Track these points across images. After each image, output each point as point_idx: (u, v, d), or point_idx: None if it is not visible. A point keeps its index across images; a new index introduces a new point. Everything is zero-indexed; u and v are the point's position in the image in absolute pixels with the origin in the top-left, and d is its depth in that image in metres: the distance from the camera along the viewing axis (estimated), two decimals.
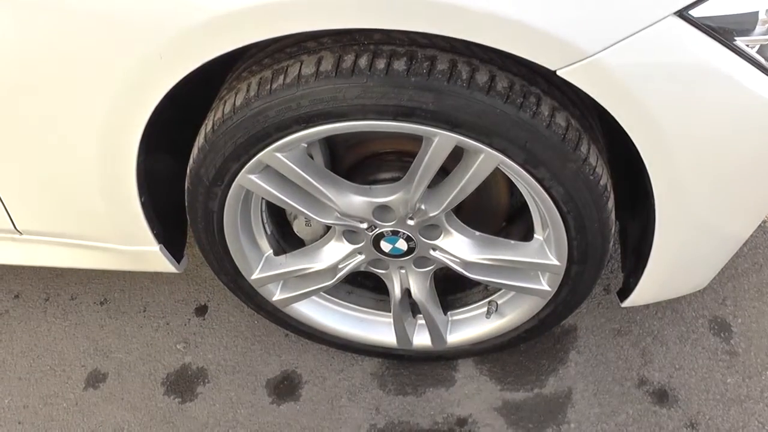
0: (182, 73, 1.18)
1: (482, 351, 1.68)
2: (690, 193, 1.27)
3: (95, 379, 1.78)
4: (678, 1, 1.05)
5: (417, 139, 1.33)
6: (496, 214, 1.54)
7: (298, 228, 1.53)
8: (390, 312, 1.65)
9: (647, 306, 1.80)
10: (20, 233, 1.61)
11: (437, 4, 1.05)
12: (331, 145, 1.44)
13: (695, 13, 1.06)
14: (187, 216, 1.46)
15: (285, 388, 1.72)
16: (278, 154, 1.27)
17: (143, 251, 1.56)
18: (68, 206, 1.50)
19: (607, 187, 1.32)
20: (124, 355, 1.81)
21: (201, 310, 1.87)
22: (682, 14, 1.06)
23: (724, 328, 1.77)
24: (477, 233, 1.45)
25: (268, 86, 1.21)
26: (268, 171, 1.32)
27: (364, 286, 1.69)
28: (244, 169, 1.31)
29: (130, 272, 1.90)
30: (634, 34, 1.06)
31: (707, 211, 1.32)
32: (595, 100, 1.15)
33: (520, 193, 1.50)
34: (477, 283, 1.62)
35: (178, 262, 1.60)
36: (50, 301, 1.95)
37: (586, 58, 1.08)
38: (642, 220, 1.40)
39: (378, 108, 1.18)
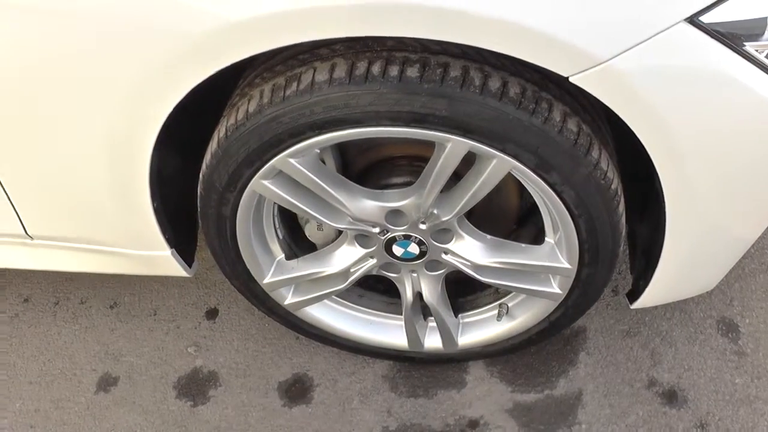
0: (195, 81, 1.19)
1: (493, 353, 1.69)
2: (700, 196, 1.28)
3: (106, 383, 1.79)
4: (688, 8, 1.05)
5: (429, 144, 1.33)
6: (507, 217, 1.54)
7: (310, 232, 1.54)
8: (401, 315, 1.65)
9: (656, 307, 1.80)
10: (31, 238, 1.62)
11: (453, 13, 1.05)
12: (343, 150, 1.44)
13: (705, 19, 1.07)
14: (200, 221, 1.46)
15: (296, 391, 1.73)
16: (291, 160, 1.28)
17: (155, 256, 1.56)
18: (80, 212, 1.51)
19: (618, 191, 1.33)
20: (135, 358, 1.82)
21: (211, 314, 1.88)
22: (693, 20, 1.06)
23: (732, 328, 1.78)
24: (488, 237, 1.45)
25: (282, 93, 1.21)
26: (281, 176, 1.33)
27: (374, 289, 1.70)
28: (257, 175, 1.31)
29: (140, 276, 1.91)
30: (646, 40, 1.07)
31: (717, 214, 1.33)
32: (605, 105, 1.16)
33: (529, 196, 1.52)
34: (487, 286, 1.63)
35: (189, 266, 1.61)
36: (60, 305, 1.95)
37: (599, 64, 1.09)
38: (651, 223, 1.41)
39: (391, 114, 1.19)
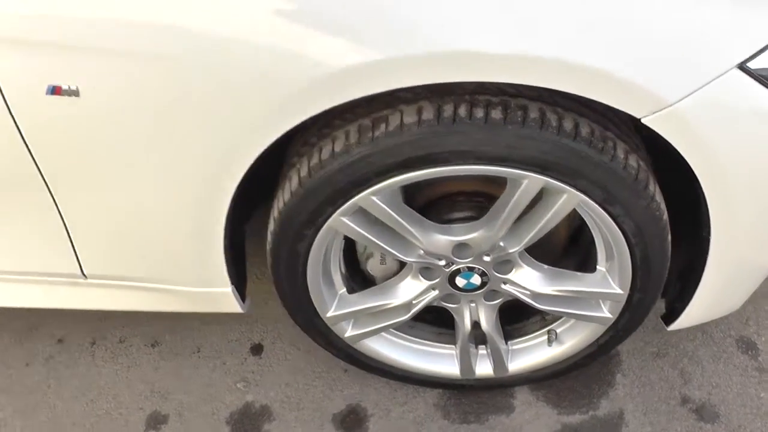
0: (288, 127, 1.25)
1: (542, 377, 1.76)
2: (743, 227, 1.40)
3: (156, 421, 1.78)
4: (739, 55, 1.18)
5: (489, 180, 1.43)
6: (557, 247, 1.63)
7: (372, 266, 1.60)
8: (449, 344, 1.72)
9: (679, 329, 1.91)
10: (85, 277, 1.62)
11: (550, 62, 1.15)
12: (404, 187, 1.51)
13: (752, 65, 1.19)
14: (269, 258, 1.50)
15: (351, 421, 1.76)
16: (374, 197, 1.34)
17: (216, 292, 1.59)
18: (149, 252, 1.53)
19: (667, 221, 1.43)
20: (184, 396, 1.82)
21: (256, 349, 1.90)
22: (742, 66, 1.19)
23: (750, 346, 1.90)
24: (545, 266, 1.54)
25: (371, 134, 1.27)
26: (359, 212, 1.39)
27: (424, 320, 1.75)
28: (337, 212, 1.37)
29: (179, 313, 1.91)
30: (705, 85, 1.18)
31: (754, 242, 1.45)
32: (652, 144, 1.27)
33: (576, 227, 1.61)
34: (535, 314, 1.71)
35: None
36: (97, 345, 1.94)
37: (667, 107, 1.20)
38: (690, 250, 1.52)
39: (477, 154, 1.27)
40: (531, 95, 1.28)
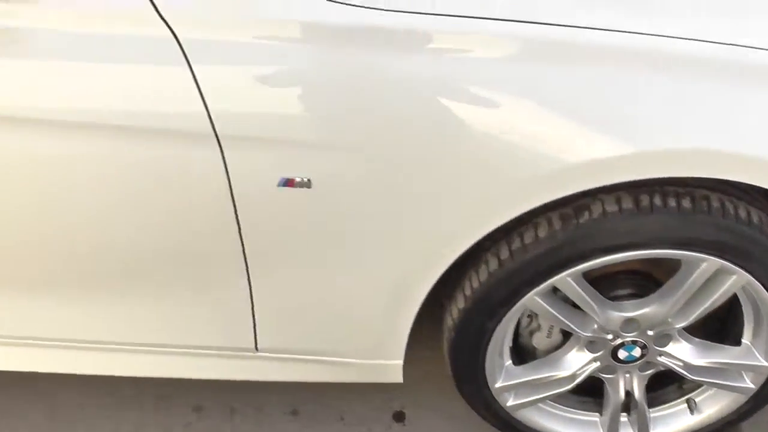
0: (505, 220, 1.38)
1: None
2: None
3: None
4: None
5: (645, 261, 1.57)
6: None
7: (538, 340, 1.72)
8: (592, 411, 1.84)
9: None
10: (257, 350, 1.70)
11: (752, 160, 1.32)
12: None
13: None
14: (451, 333, 1.61)
15: None
16: (569, 278, 1.47)
17: (387, 365, 1.69)
18: (334, 328, 1.62)
19: None
20: None
21: (399, 416, 1.99)
22: None
23: None
24: (696, 339, 1.68)
25: (574, 221, 1.41)
26: (548, 291, 1.52)
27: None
28: (533, 292, 1.49)
29: (318, 383, 1.99)
30: None
31: None
32: None
33: None
34: (671, 383, 1.84)
35: None
36: (236, 413, 2.00)
37: None
38: None
39: (669, 239, 1.42)
40: (710, 186, 1.44)
